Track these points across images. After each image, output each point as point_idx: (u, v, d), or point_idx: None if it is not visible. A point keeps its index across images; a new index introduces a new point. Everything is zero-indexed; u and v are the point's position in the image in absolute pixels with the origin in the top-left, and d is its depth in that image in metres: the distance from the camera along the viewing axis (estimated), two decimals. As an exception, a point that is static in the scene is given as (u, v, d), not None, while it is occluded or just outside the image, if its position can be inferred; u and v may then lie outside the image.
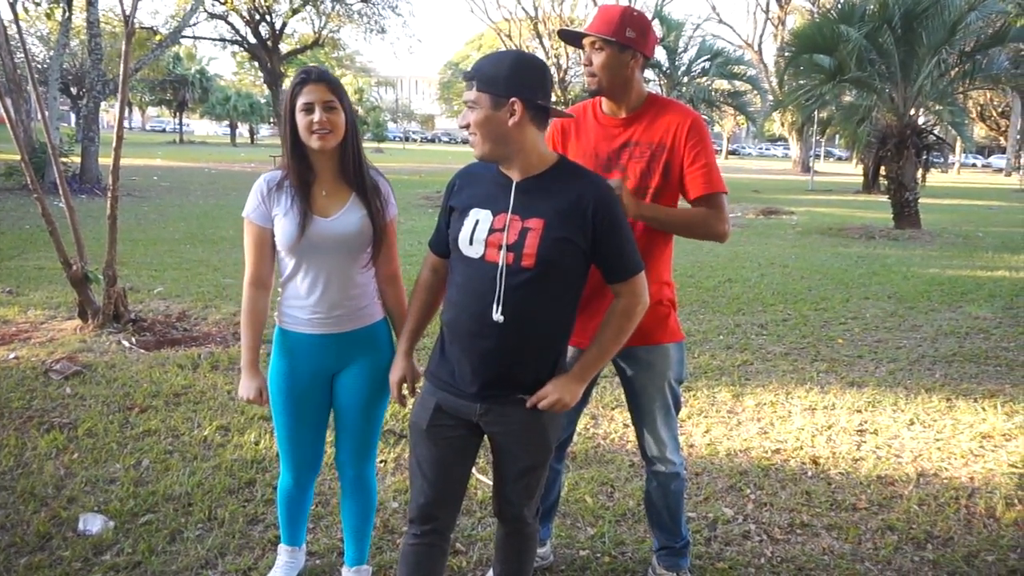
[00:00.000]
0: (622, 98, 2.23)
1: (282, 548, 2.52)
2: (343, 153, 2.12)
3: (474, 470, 3.25)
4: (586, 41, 2.20)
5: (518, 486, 1.98)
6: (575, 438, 3.68)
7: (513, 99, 1.75)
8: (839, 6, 14.60)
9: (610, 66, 2.16)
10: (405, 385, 2.11)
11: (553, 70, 35.02)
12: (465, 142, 70.12)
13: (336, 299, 2.16)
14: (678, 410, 2.43)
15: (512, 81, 1.76)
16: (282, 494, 2.41)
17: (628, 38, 2.15)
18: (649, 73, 18.48)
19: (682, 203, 2.29)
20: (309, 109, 2.03)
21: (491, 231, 1.81)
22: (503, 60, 1.79)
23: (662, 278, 2.31)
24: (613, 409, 4.13)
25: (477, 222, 1.83)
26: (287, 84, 2.17)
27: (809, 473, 3.44)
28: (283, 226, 2.11)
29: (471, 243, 1.83)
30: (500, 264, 1.78)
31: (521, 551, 2.09)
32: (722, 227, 2.23)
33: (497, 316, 1.79)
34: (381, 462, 3.37)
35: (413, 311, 2.09)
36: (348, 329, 2.20)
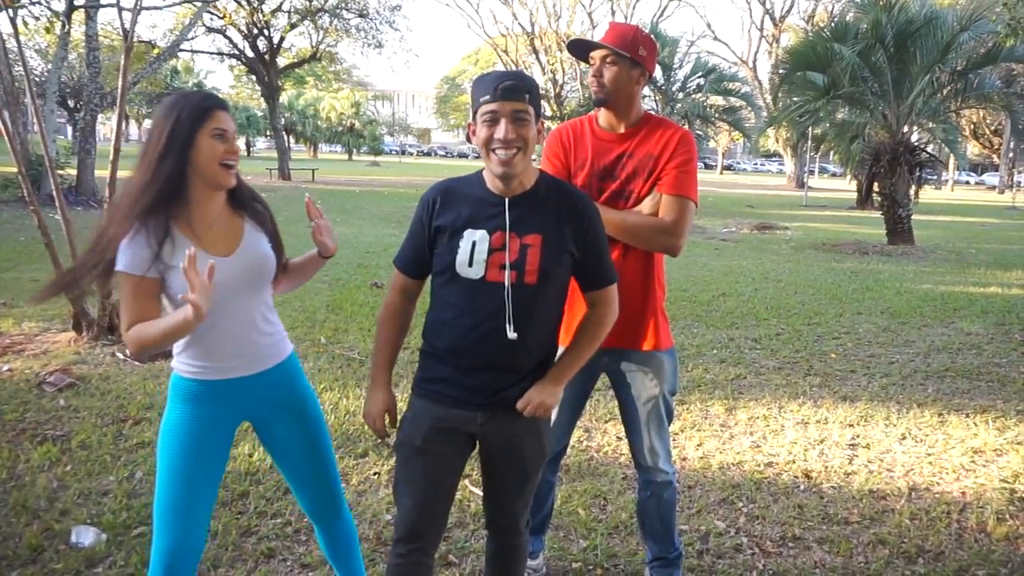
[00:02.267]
0: (624, 112, 2.29)
1: None
2: (236, 188, 1.90)
3: (467, 482, 3.27)
4: (599, 54, 2.24)
5: (518, 492, 1.98)
6: (568, 450, 3.70)
7: (540, 118, 1.80)
8: (833, 24, 14.81)
9: (620, 80, 2.23)
10: (387, 416, 2.00)
11: (549, 85, 35.31)
12: (463, 156, 70.15)
13: (241, 342, 1.90)
14: (670, 420, 2.46)
15: (539, 101, 1.81)
16: (189, 561, 1.89)
17: (640, 56, 2.24)
18: (644, 89, 18.67)
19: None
20: (223, 136, 1.79)
21: (491, 251, 1.80)
22: (530, 77, 1.83)
23: (660, 284, 2.36)
24: (606, 422, 4.14)
25: (474, 243, 1.80)
26: (169, 106, 1.81)
27: (801, 487, 3.45)
28: (179, 279, 1.74)
29: (471, 265, 1.80)
30: (506, 283, 1.79)
31: (512, 564, 2.09)
32: (669, 239, 2.21)
33: (512, 334, 1.80)
34: (374, 474, 3.38)
35: (387, 339, 1.98)
36: (257, 371, 1.94)
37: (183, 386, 1.91)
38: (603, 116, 2.33)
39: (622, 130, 2.30)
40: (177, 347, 1.91)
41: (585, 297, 1.94)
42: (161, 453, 1.90)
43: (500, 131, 1.74)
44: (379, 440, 2.06)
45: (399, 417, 1.99)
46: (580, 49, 2.30)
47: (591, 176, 2.28)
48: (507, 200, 1.82)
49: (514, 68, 37.12)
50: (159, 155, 1.77)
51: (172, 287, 1.79)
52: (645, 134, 2.28)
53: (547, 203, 1.84)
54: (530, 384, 1.88)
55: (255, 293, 1.93)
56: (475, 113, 1.80)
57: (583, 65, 2.38)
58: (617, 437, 3.94)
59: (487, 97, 1.75)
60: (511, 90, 1.74)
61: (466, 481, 3.29)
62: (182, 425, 1.89)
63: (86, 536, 2.76)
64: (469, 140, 1.88)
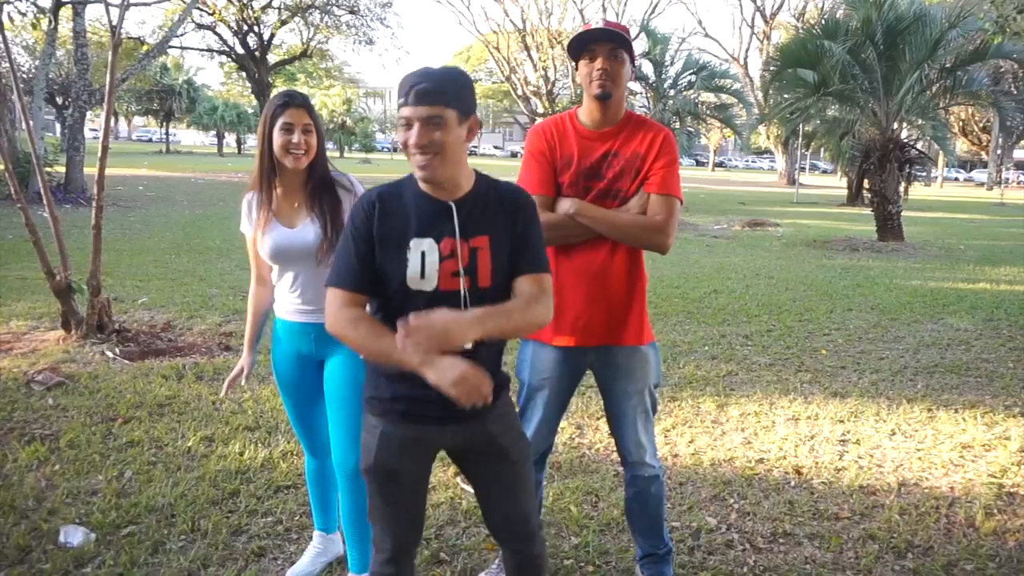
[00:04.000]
0: (615, 109, 2.28)
1: (315, 534, 2.68)
2: (310, 172, 2.31)
3: (459, 479, 3.26)
4: (606, 47, 2.21)
5: (519, 489, 1.90)
6: (560, 448, 3.71)
7: (473, 116, 1.71)
8: (823, 22, 14.83)
9: (624, 75, 2.24)
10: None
11: (541, 82, 35.29)
12: (453, 153, 70.42)
13: (310, 296, 2.33)
14: (655, 412, 2.47)
15: (472, 97, 1.72)
16: (307, 474, 2.63)
17: (632, 53, 2.26)
18: (636, 86, 18.62)
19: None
20: (288, 130, 2.22)
21: (441, 259, 1.71)
22: (458, 74, 1.73)
23: (644, 278, 2.38)
24: (598, 419, 4.14)
25: (423, 254, 1.71)
26: (267, 104, 2.30)
27: (792, 483, 3.47)
28: (258, 238, 2.36)
29: (423, 277, 1.71)
30: (461, 291, 1.71)
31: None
32: (659, 237, 2.24)
33: (467, 344, 1.65)
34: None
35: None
36: (323, 321, 2.19)
37: (275, 325, 2.46)
38: (587, 113, 2.31)
39: (606, 128, 2.29)
40: (275, 293, 2.44)
41: (514, 286, 1.77)
42: (277, 379, 2.52)
43: (412, 136, 1.65)
44: None
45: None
46: (585, 40, 2.22)
47: (577, 175, 2.28)
48: (454, 205, 1.74)
49: (505, 65, 37.14)
50: (261, 147, 2.28)
51: (259, 245, 2.37)
52: (628, 133, 2.29)
53: (489, 202, 1.78)
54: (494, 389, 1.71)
55: (314, 264, 2.30)
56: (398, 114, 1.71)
57: (574, 61, 2.35)
58: (608, 434, 3.93)
59: (401, 100, 1.67)
60: (423, 94, 1.64)
61: (458, 479, 3.28)
62: (274, 358, 2.47)
63: (75, 536, 2.74)
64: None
